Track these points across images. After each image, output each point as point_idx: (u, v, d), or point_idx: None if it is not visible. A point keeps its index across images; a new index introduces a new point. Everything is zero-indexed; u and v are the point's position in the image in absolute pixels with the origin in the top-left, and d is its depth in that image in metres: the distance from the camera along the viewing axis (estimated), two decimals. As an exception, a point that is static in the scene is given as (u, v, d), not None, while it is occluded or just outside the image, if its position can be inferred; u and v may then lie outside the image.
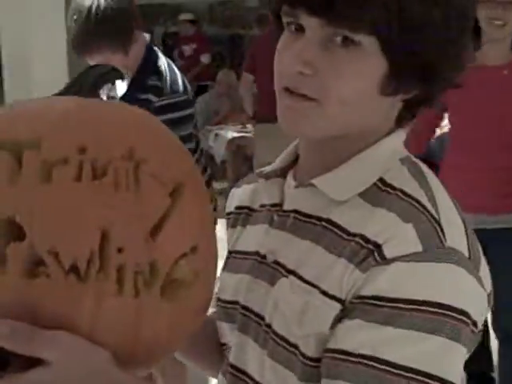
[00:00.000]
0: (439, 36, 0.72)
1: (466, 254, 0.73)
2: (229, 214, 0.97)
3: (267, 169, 0.90)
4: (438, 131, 2.94)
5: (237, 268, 0.88)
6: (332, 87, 0.73)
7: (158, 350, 0.68)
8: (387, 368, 0.69)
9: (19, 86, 3.80)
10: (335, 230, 0.77)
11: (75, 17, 1.97)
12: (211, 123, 6.53)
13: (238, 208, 0.95)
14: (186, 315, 0.69)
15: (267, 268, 0.82)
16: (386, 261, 0.71)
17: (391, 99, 0.75)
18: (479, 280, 0.74)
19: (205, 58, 7.96)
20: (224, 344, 0.89)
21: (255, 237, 0.87)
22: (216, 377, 0.94)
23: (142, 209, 0.64)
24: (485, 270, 0.76)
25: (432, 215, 0.74)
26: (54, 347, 0.61)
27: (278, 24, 0.78)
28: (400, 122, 0.81)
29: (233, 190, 0.99)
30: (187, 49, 8.09)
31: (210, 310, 0.79)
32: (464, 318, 0.71)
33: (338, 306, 0.73)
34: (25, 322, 0.61)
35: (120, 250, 0.63)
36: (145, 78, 2.11)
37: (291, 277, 0.78)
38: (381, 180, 0.78)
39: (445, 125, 2.79)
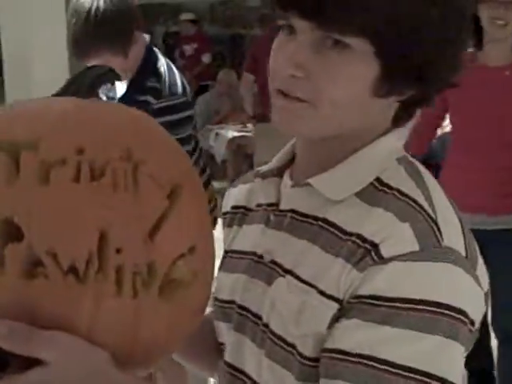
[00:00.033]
0: (433, 37, 0.72)
1: (463, 253, 0.73)
2: (225, 213, 0.97)
3: (264, 168, 0.90)
4: (439, 131, 2.95)
5: (233, 268, 0.88)
6: (324, 90, 0.73)
7: (156, 351, 0.68)
8: (385, 367, 0.69)
9: (20, 85, 3.81)
10: (332, 229, 0.77)
11: (74, 19, 1.96)
12: (212, 123, 6.53)
13: (234, 208, 0.95)
14: (184, 315, 0.69)
15: (264, 268, 0.82)
16: (383, 260, 0.71)
17: (386, 100, 0.75)
18: (476, 279, 0.74)
19: (206, 58, 7.97)
20: (222, 344, 0.90)
21: (251, 236, 0.87)
22: (213, 376, 0.94)
23: (141, 210, 0.64)
24: (482, 269, 0.76)
25: (429, 214, 0.74)
26: (52, 347, 0.61)
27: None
28: (397, 122, 0.81)
29: (229, 190, 1.00)
30: (188, 48, 8.09)
31: (207, 310, 0.79)
32: (461, 317, 0.71)
33: (335, 306, 0.73)
34: (23, 323, 0.61)
35: (118, 251, 0.63)
36: (144, 79, 2.11)
37: (288, 276, 0.79)
38: (377, 179, 0.78)
39: (446, 125, 2.79)
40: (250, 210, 0.91)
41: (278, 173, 0.87)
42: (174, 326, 0.68)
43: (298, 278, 0.77)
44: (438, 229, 0.73)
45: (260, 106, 5.13)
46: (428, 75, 0.74)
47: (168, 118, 2.03)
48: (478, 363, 2.64)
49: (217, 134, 6.25)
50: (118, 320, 0.64)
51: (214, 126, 6.40)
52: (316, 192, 0.79)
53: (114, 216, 0.63)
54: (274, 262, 0.81)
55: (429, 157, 2.73)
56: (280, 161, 0.88)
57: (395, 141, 0.82)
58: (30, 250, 0.62)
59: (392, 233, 0.72)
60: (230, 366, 0.85)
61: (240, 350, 0.84)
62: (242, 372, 0.84)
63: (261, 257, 0.84)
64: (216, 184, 3.03)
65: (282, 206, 0.84)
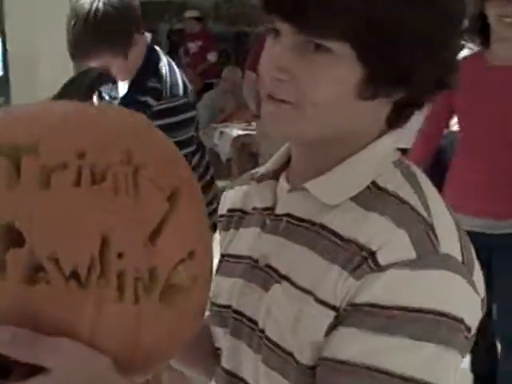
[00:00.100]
0: (415, 40, 0.71)
1: (460, 259, 0.73)
2: (221, 216, 0.97)
3: (260, 171, 0.89)
4: (445, 131, 2.93)
5: (230, 272, 0.88)
6: (307, 92, 0.73)
7: (157, 356, 0.68)
8: (385, 377, 0.69)
9: (25, 85, 3.82)
10: (328, 235, 0.76)
11: (73, 20, 1.96)
12: (216, 121, 6.53)
13: (230, 211, 0.95)
14: (184, 320, 0.68)
15: (260, 272, 0.82)
16: (380, 268, 0.70)
17: (372, 102, 0.75)
18: (473, 285, 0.74)
19: (212, 57, 7.96)
20: (219, 349, 0.89)
21: (248, 240, 0.87)
22: (211, 381, 0.93)
23: (142, 214, 0.64)
24: (478, 273, 0.76)
25: (425, 219, 0.73)
26: (55, 354, 0.61)
27: None
28: (391, 124, 0.80)
29: (225, 193, 0.99)
30: (193, 46, 8.09)
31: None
32: (459, 325, 0.71)
33: (332, 314, 0.73)
34: (26, 329, 0.61)
35: (120, 256, 0.63)
36: (145, 79, 2.10)
37: (284, 282, 0.78)
38: (373, 183, 0.78)
39: (453, 124, 2.77)
40: (246, 213, 0.91)
41: (274, 176, 0.87)
42: (175, 331, 0.67)
43: (294, 284, 0.77)
44: (435, 234, 0.72)
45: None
46: (413, 77, 0.73)
47: (168, 120, 2.03)
48: (483, 367, 2.64)
49: (221, 133, 6.25)
50: (120, 325, 0.63)
51: (218, 125, 6.40)
52: (312, 196, 0.79)
53: (115, 220, 0.63)
54: (269, 267, 0.81)
55: (438, 157, 2.71)
56: (276, 164, 0.87)
57: (391, 144, 0.81)
58: (32, 255, 0.62)
59: (388, 239, 0.72)
60: (226, 372, 0.85)
61: (237, 356, 0.83)
62: (239, 378, 0.83)
63: (257, 261, 0.83)
64: (221, 183, 3.03)
65: (278, 211, 0.83)
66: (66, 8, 2.13)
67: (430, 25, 0.72)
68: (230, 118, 6.59)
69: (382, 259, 0.71)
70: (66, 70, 3.28)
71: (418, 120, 2.60)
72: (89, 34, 1.95)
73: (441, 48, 0.74)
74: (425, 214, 0.74)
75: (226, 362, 0.85)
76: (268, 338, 0.78)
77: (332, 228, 0.76)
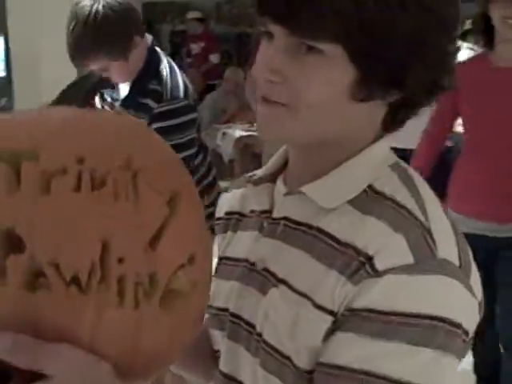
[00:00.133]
0: (406, 41, 0.71)
1: (457, 263, 0.73)
2: (219, 219, 0.97)
3: (257, 174, 0.89)
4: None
5: (228, 275, 0.88)
6: (300, 94, 0.73)
7: (157, 361, 0.67)
8: (382, 382, 0.69)
9: (28, 85, 3.82)
10: (326, 238, 0.76)
11: (73, 24, 1.96)
12: (219, 122, 6.53)
13: (228, 213, 0.95)
14: (184, 325, 0.68)
15: (257, 276, 0.82)
16: (377, 273, 0.70)
17: (369, 104, 0.75)
18: (470, 289, 0.74)
19: (214, 58, 7.97)
20: (217, 351, 0.89)
21: (245, 243, 0.87)
22: None
23: (142, 219, 0.64)
24: (475, 276, 0.76)
25: (422, 224, 0.73)
26: (56, 360, 0.61)
27: None
28: (386, 127, 0.80)
29: (222, 196, 0.99)
30: (195, 47, 8.10)
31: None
32: (457, 330, 0.71)
33: (329, 319, 0.73)
34: (26, 335, 0.61)
35: (120, 261, 0.63)
36: (146, 81, 2.10)
37: (281, 286, 0.78)
38: (370, 187, 0.78)
39: (458, 124, 2.76)
40: (244, 215, 0.91)
41: (271, 179, 0.87)
42: (174, 336, 0.67)
43: (291, 288, 0.77)
44: (432, 239, 0.72)
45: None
46: (407, 79, 0.73)
47: (169, 122, 2.02)
48: (486, 368, 2.63)
49: (224, 134, 6.25)
50: (120, 331, 0.63)
51: (221, 126, 6.40)
52: (309, 200, 0.79)
53: (115, 226, 0.63)
54: (266, 270, 0.81)
55: (446, 157, 2.71)
56: (273, 167, 0.87)
57: (388, 147, 0.81)
58: (32, 260, 0.61)
59: (386, 244, 0.71)
60: (224, 375, 0.85)
61: (235, 359, 0.83)
62: (238, 381, 0.83)
63: (254, 264, 0.83)
64: (224, 184, 3.03)
65: (275, 214, 0.83)
66: (69, 8, 2.13)
67: (423, 26, 0.71)
68: (232, 118, 6.59)
69: (379, 264, 0.71)
70: (69, 70, 3.28)
71: (423, 121, 2.60)
72: (88, 37, 1.95)
73: (434, 50, 0.74)
74: (422, 218, 0.74)
75: (223, 366, 0.85)
76: (266, 342, 0.78)
77: (329, 231, 0.76)
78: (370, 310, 0.70)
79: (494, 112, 2.31)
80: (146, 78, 2.10)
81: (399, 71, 0.73)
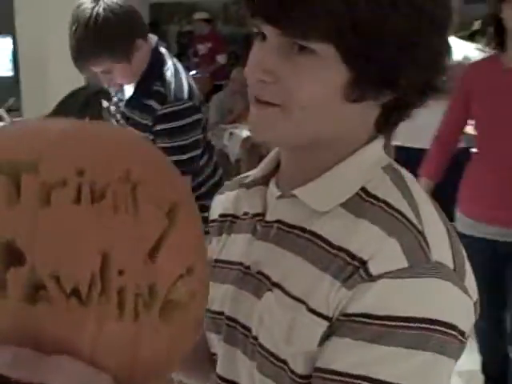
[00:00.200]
0: (398, 41, 0.71)
1: (451, 266, 0.73)
2: (213, 221, 0.97)
3: (249, 176, 0.89)
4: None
5: (223, 278, 0.88)
6: (292, 94, 0.72)
7: (156, 372, 0.68)
8: None
9: (35, 85, 3.84)
10: (319, 242, 0.76)
11: (74, 26, 1.96)
12: (226, 122, 6.53)
13: (222, 216, 0.95)
14: (182, 336, 0.69)
15: (252, 279, 0.82)
16: (372, 278, 0.70)
17: (362, 105, 0.74)
18: (465, 290, 0.74)
19: (221, 59, 7.97)
20: (214, 354, 0.90)
21: (239, 246, 0.87)
22: None
23: (141, 231, 0.64)
24: (470, 277, 0.76)
25: (415, 226, 0.73)
26: (57, 373, 0.61)
27: None
28: (379, 128, 0.80)
29: (216, 198, 0.99)
30: (202, 48, 8.11)
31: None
32: (452, 332, 0.71)
33: (325, 324, 0.73)
34: (27, 348, 0.61)
35: (121, 273, 0.63)
36: (150, 83, 2.11)
37: (276, 290, 0.78)
38: (363, 189, 0.78)
39: (469, 125, 2.76)
40: (237, 217, 0.91)
41: (264, 181, 0.87)
42: (173, 346, 0.67)
43: (286, 292, 0.77)
44: (426, 242, 0.72)
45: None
46: (399, 79, 0.73)
47: (173, 123, 2.03)
48: (494, 368, 2.62)
49: (231, 134, 6.25)
50: (120, 342, 0.64)
51: (227, 126, 6.40)
52: (301, 203, 0.79)
53: (115, 238, 0.63)
54: (261, 273, 0.81)
55: (459, 158, 2.69)
56: (265, 169, 0.87)
57: (381, 149, 0.81)
58: (33, 273, 0.62)
59: (380, 249, 0.71)
60: (222, 378, 0.85)
61: (232, 362, 0.84)
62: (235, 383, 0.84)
63: (248, 267, 0.83)
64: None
65: (268, 217, 0.84)
66: (76, 9, 2.14)
67: (415, 26, 0.71)
68: (238, 118, 6.59)
69: (373, 269, 0.71)
70: (76, 70, 3.29)
71: (435, 121, 2.58)
72: (89, 40, 1.95)
73: (426, 50, 0.74)
74: (415, 221, 0.74)
75: (221, 369, 0.86)
76: (261, 346, 0.78)
77: (322, 235, 0.77)
78: (365, 315, 0.70)
79: (506, 113, 2.30)
80: (150, 79, 2.11)
81: (391, 71, 0.73)
